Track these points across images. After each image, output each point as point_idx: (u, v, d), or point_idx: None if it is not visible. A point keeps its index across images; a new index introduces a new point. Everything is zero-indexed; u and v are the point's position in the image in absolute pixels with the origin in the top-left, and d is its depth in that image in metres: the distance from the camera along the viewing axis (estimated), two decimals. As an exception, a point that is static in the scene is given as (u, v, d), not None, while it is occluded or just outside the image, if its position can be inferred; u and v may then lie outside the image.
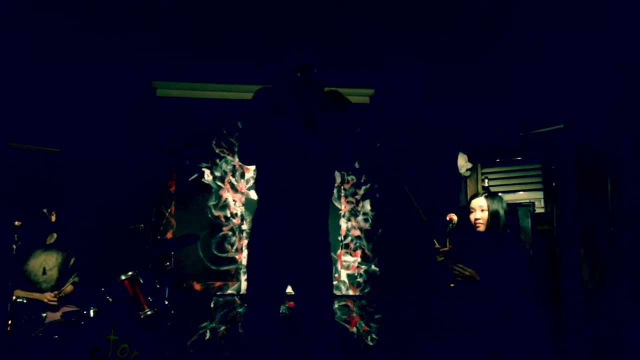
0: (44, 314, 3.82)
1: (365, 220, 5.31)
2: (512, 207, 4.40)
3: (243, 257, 5.10)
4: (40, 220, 4.17)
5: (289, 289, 2.83)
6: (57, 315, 3.88)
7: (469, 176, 5.18)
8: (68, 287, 4.13)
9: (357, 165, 5.36)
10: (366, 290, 5.18)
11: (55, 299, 4.04)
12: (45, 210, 4.18)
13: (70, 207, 4.82)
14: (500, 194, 3.75)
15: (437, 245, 3.58)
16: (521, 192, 4.98)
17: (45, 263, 4.18)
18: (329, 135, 2.83)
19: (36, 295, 4.04)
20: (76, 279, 4.19)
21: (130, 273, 3.97)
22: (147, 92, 5.26)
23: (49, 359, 3.48)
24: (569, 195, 4.57)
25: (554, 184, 4.64)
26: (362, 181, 5.37)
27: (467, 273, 3.47)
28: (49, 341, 3.55)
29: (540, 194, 4.91)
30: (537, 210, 4.72)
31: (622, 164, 4.54)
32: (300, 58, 2.87)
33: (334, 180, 2.97)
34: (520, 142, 4.90)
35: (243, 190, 5.27)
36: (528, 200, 4.65)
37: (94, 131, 5.05)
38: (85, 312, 3.77)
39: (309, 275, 2.78)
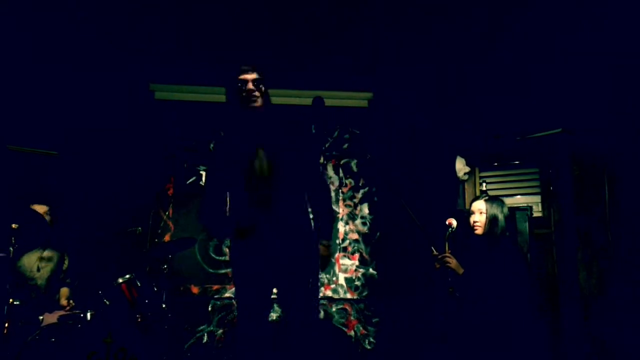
0: (41, 317, 3.81)
1: (364, 223, 5.31)
2: (510, 211, 4.41)
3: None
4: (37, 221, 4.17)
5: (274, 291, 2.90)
6: (53, 318, 3.86)
7: (466, 180, 5.18)
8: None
9: (355, 168, 5.38)
10: (364, 294, 5.18)
11: (67, 304, 4.08)
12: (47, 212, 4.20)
13: (68, 210, 4.81)
14: (500, 198, 3.76)
15: (435, 252, 3.58)
16: (519, 196, 4.99)
17: (40, 260, 4.19)
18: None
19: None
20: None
21: (127, 276, 3.97)
22: (145, 95, 5.26)
23: (46, 362, 3.47)
24: (567, 199, 4.59)
25: (551, 188, 4.65)
26: (360, 185, 5.37)
27: (451, 264, 3.48)
28: (45, 344, 3.53)
29: (537, 198, 4.92)
30: (535, 214, 4.73)
31: (619, 168, 4.55)
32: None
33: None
34: (517, 146, 4.91)
35: (241, 194, 5.25)
36: (526, 204, 4.65)
37: (91, 134, 5.04)
38: (82, 315, 3.76)
39: (295, 282, 2.83)
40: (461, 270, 3.48)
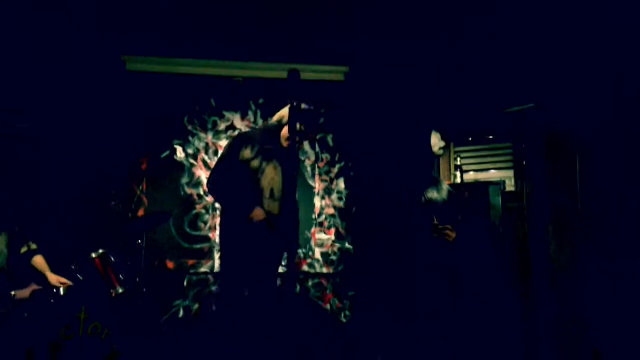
0: (13, 292, 3.75)
1: (339, 198, 5.33)
2: (483, 185, 4.49)
3: (216, 235, 5.07)
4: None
5: None
6: (26, 294, 3.81)
7: (441, 155, 5.21)
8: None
9: (331, 143, 5.37)
10: (340, 268, 5.22)
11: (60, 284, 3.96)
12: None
13: (40, 185, 4.72)
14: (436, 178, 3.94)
15: (435, 222, 3.65)
16: (492, 171, 5.05)
17: None
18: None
19: (48, 274, 3.95)
20: (34, 246, 4.01)
21: (100, 251, 3.93)
22: (116, 66, 5.12)
23: (18, 337, 3.43)
24: (539, 173, 4.65)
25: (524, 162, 4.71)
26: (336, 159, 5.36)
27: (450, 237, 3.57)
28: (18, 319, 3.50)
29: (510, 172, 4.99)
30: (508, 189, 4.79)
31: (590, 143, 4.62)
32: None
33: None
34: (491, 121, 4.94)
35: (216, 168, 5.21)
36: (499, 179, 4.71)
37: (61, 106, 4.91)
38: (55, 290, 3.72)
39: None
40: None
